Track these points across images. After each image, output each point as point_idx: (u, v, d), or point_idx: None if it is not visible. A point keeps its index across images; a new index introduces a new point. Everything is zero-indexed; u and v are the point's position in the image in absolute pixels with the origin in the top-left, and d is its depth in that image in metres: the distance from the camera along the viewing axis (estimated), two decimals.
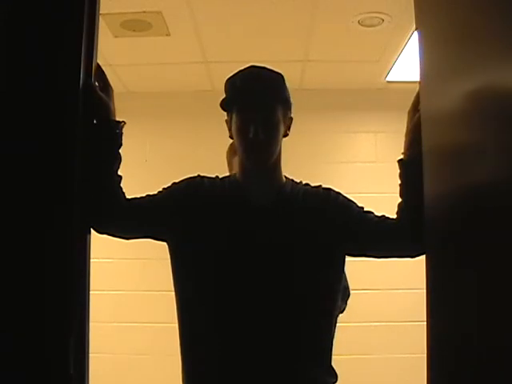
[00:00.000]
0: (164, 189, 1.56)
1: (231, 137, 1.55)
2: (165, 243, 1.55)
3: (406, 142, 1.49)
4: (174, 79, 3.72)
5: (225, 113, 1.56)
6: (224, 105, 1.51)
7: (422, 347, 1.22)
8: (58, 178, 1.24)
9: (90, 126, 1.38)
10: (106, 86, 1.43)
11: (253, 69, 1.51)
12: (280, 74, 1.52)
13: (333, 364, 1.52)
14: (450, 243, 1.14)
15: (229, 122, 1.54)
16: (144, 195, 1.54)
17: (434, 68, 1.21)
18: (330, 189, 1.58)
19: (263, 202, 1.51)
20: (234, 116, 1.49)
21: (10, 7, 1.25)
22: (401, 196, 1.50)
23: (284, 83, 1.53)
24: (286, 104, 1.53)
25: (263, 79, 1.50)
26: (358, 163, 3.97)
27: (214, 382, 1.45)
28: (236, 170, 1.77)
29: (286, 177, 1.59)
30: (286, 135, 1.54)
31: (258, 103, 1.46)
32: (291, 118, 1.56)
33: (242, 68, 1.51)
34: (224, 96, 1.52)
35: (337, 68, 3.65)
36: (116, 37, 3.08)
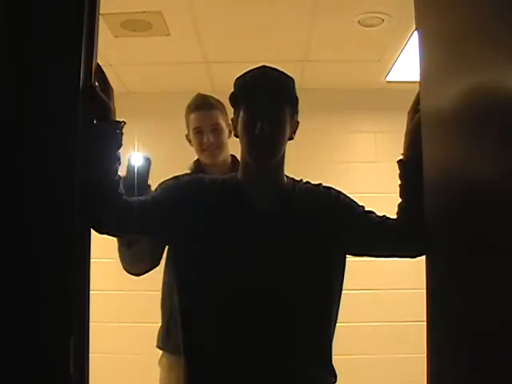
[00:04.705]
0: (160, 185, 1.54)
1: (236, 135, 1.54)
2: None
3: (405, 142, 1.49)
4: (174, 79, 3.72)
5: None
6: (232, 99, 1.52)
7: (422, 347, 1.22)
8: (58, 177, 1.24)
9: (90, 126, 1.38)
10: (106, 86, 1.43)
11: (264, 68, 1.51)
12: (291, 77, 1.52)
13: (332, 363, 1.52)
14: (450, 243, 1.14)
15: (235, 120, 1.54)
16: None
17: (434, 68, 1.21)
18: (330, 188, 1.58)
19: (264, 202, 1.51)
20: (241, 112, 1.49)
21: (10, 7, 1.25)
22: (401, 196, 1.50)
23: (294, 87, 1.53)
24: (294, 107, 1.53)
25: (274, 78, 1.50)
26: (357, 163, 3.97)
27: (214, 381, 1.46)
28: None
29: (286, 176, 1.59)
30: (290, 138, 1.54)
31: (266, 100, 1.46)
32: (297, 123, 1.56)
33: (254, 67, 1.51)
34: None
35: (337, 68, 3.65)
36: (116, 37, 3.08)
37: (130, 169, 1.85)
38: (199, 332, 1.47)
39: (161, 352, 2.23)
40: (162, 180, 2.16)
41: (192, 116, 2.23)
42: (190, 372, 1.49)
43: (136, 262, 2.05)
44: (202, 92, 2.31)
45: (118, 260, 2.09)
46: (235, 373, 1.43)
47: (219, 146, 2.19)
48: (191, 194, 1.52)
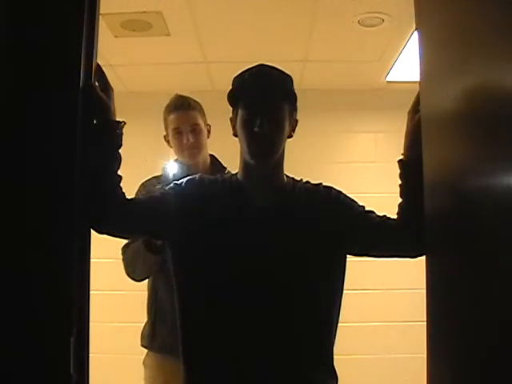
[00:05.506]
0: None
1: (235, 134, 1.54)
2: None
3: (405, 142, 1.49)
4: (174, 79, 3.72)
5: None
6: (231, 98, 1.51)
7: (422, 347, 1.22)
8: (58, 178, 1.24)
9: (90, 126, 1.38)
10: (106, 87, 1.43)
11: (262, 67, 1.51)
12: (289, 75, 1.52)
13: (334, 365, 1.52)
14: (450, 243, 1.14)
15: (234, 119, 1.53)
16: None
17: (434, 68, 1.21)
18: (330, 187, 1.58)
19: (264, 201, 1.51)
20: (239, 110, 1.49)
21: (9, 7, 1.25)
22: (401, 196, 1.50)
23: (292, 84, 1.54)
24: (293, 105, 1.53)
25: (272, 76, 1.51)
26: (357, 163, 3.97)
27: (214, 383, 1.45)
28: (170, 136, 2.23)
29: (286, 176, 1.58)
30: (290, 136, 1.54)
31: (265, 98, 1.46)
32: (296, 121, 1.56)
33: (251, 66, 1.51)
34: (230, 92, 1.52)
35: (337, 68, 3.65)
36: (116, 37, 3.08)
37: (166, 176, 1.98)
38: (199, 333, 1.47)
39: (145, 351, 2.25)
40: (143, 180, 2.20)
41: (171, 117, 2.25)
42: (190, 373, 1.48)
43: (132, 266, 2.08)
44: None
45: (118, 260, 2.11)
46: (235, 376, 1.43)
47: (198, 146, 2.22)
48: (191, 195, 1.52)
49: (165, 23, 2.96)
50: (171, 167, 2.26)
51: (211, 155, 2.30)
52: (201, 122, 2.25)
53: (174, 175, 2.17)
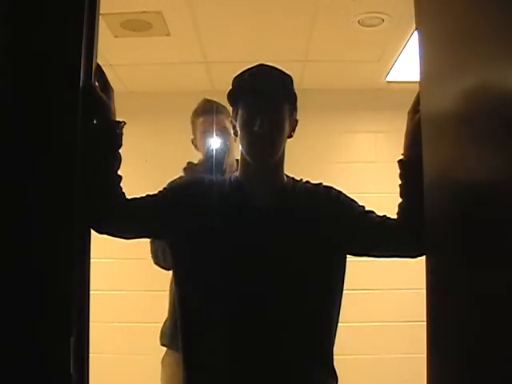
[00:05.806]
0: (164, 188, 1.56)
1: (235, 134, 1.54)
2: None
3: (405, 142, 1.49)
4: (174, 79, 3.72)
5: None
6: (231, 98, 1.51)
7: (422, 347, 1.22)
8: (58, 178, 1.24)
9: (90, 126, 1.38)
10: (106, 87, 1.43)
11: (262, 66, 1.51)
12: (289, 75, 1.53)
13: (334, 366, 1.52)
14: (450, 243, 1.14)
15: (234, 119, 1.53)
16: (144, 195, 1.54)
17: (434, 68, 1.21)
18: (331, 187, 1.58)
19: (264, 201, 1.51)
20: (239, 110, 1.49)
21: (10, 7, 1.25)
22: (401, 196, 1.50)
23: (292, 84, 1.54)
24: (293, 104, 1.54)
25: (272, 76, 1.51)
26: (357, 163, 3.97)
27: (214, 383, 1.45)
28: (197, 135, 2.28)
29: (286, 175, 1.58)
30: (290, 136, 1.54)
31: (265, 98, 1.46)
32: (296, 121, 1.56)
33: (251, 66, 1.52)
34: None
35: (337, 68, 3.65)
36: (116, 37, 3.08)
37: (208, 153, 2.00)
38: (199, 333, 1.47)
39: (164, 350, 2.24)
40: (170, 180, 2.18)
41: (200, 120, 2.30)
42: (190, 373, 1.48)
43: (161, 255, 2.08)
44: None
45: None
46: (235, 375, 1.43)
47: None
48: (191, 195, 1.52)
49: (165, 23, 2.96)
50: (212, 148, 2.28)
51: (237, 160, 2.32)
52: (229, 125, 2.27)
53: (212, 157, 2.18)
